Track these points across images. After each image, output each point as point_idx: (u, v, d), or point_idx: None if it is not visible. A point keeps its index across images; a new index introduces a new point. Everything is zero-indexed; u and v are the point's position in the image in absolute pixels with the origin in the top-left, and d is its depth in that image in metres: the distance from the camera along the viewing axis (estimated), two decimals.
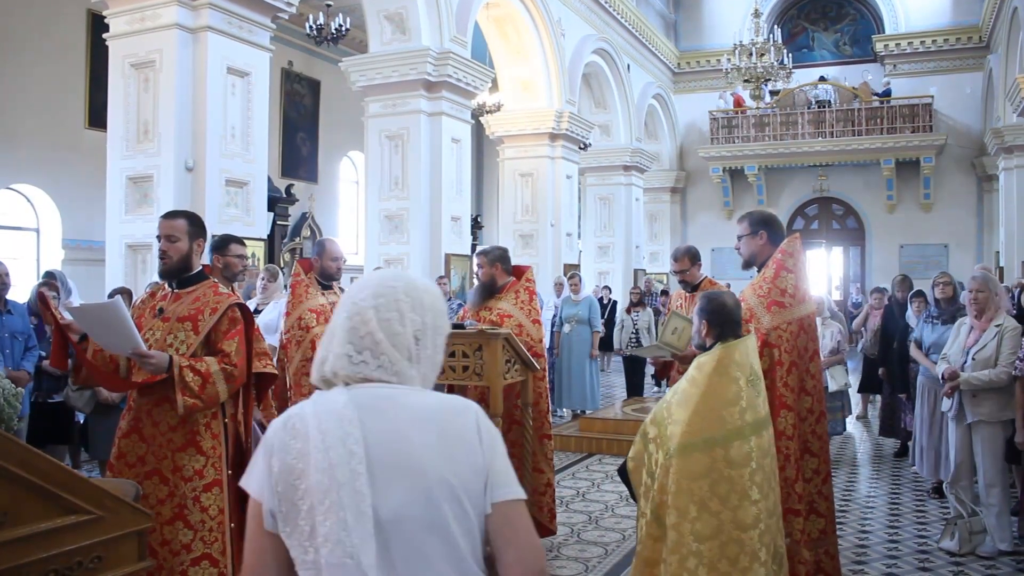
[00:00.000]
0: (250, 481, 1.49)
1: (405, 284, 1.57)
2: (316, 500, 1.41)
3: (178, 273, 3.43)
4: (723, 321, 3.33)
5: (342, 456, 1.42)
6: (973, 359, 4.91)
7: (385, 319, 1.52)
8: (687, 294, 5.20)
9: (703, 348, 3.36)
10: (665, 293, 15.74)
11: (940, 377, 5.11)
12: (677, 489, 3.15)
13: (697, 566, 3.09)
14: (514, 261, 5.36)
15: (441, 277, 9.79)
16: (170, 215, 3.51)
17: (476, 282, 11.45)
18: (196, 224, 3.49)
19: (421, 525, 1.42)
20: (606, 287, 14.39)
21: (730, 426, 3.16)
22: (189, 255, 3.43)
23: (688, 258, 5.17)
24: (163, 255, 3.41)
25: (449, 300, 9.38)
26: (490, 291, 5.03)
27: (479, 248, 5.12)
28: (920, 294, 7.06)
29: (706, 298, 3.47)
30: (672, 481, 3.15)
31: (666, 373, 5.03)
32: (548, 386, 5.18)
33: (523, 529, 1.49)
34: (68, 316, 3.42)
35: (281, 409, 4.93)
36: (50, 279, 6.53)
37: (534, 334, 4.89)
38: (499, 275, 5.04)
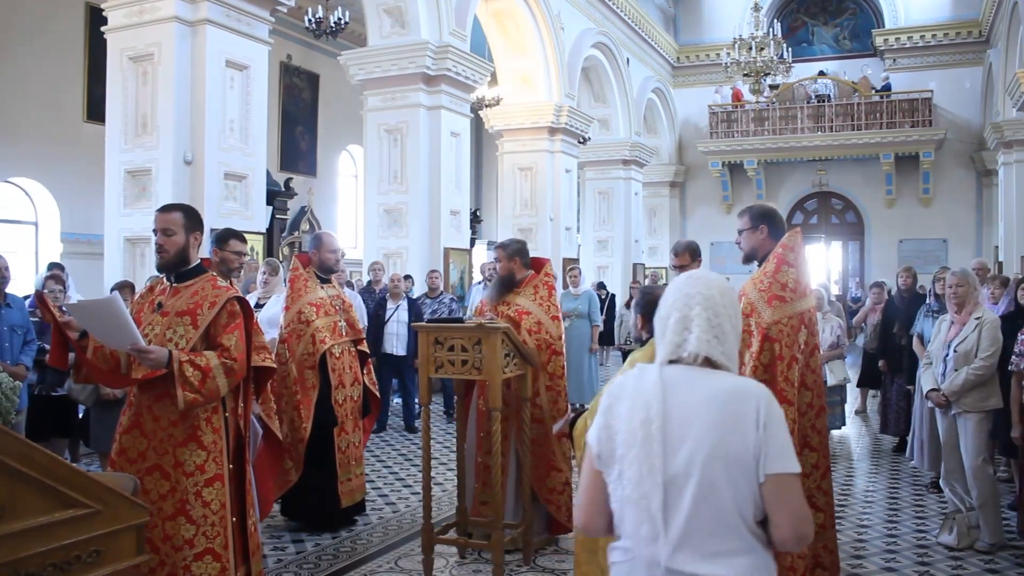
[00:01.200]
0: (591, 430, 1.96)
1: (729, 288, 2.01)
2: (623, 451, 1.85)
3: (176, 267, 3.42)
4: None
5: (644, 420, 1.83)
6: (955, 351, 4.97)
7: (730, 314, 1.94)
8: None
9: (640, 341, 3.44)
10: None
11: (926, 396, 5.24)
12: None
13: None
14: None
15: (433, 271, 9.73)
16: (165, 208, 3.49)
17: (479, 276, 11.23)
18: (192, 217, 3.47)
19: (698, 483, 1.77)
20: (600, 283, 14.37)
21: None
22: (186, 248, 3.42)
23: (689, 253, 5.15)
24: (160, 249, 3.40)
25: (440, 295, 9.34)
26: (509, 285, 4.96)
27: (497, 242, 5.06)
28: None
29: (641, 292, 3.61)
30: None
31: None
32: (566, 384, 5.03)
33: (793, 497, 1.79)
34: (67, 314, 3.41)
35: (278, 403, 4.93)
36: (57, 270, 6.53)
37: (553, 331, 4.80)
38: (518, 269, 4.98)
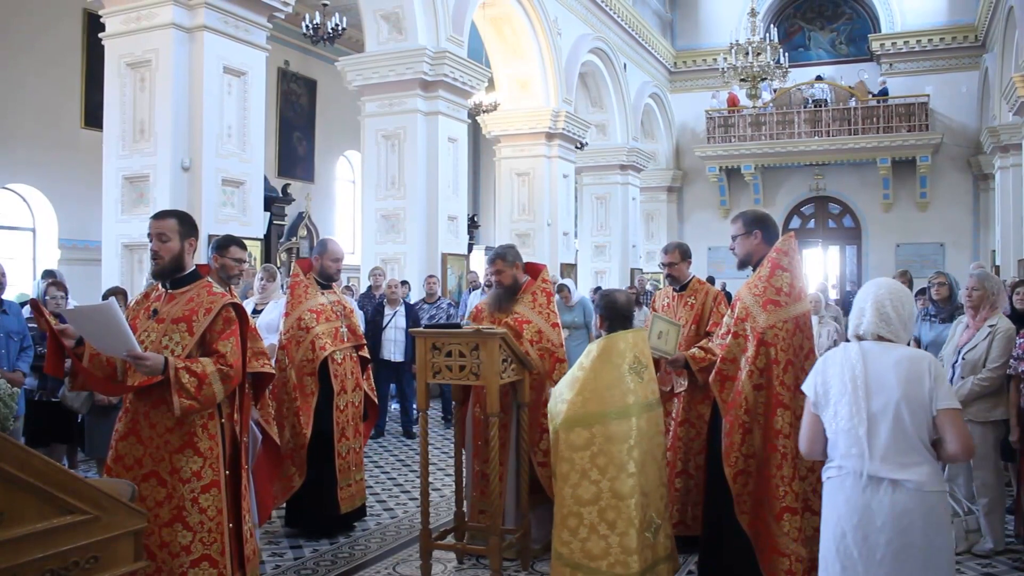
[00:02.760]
0: (807, 384, 2.88)
1: (901, 288, 2.86)
2: (836, 398, 2.74)
3: (171, 273, 3.42)
4: (613, 315, 3.91)
5: (851, 378, 2.71)
6: (963, 358, 4.90)
7: (895, 305, 2.79)
8: (675, 293, 5.16)
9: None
10: None
11: None
12: (561, 458, 3.71)
13: (578, 526, 3.67)
14: None
15: (431, 276, 9.73)
16: (160, 215, 3.48)
17: (469, 284, 11.13)
18: (187, 223, 3.47)
19: (893, 418, 2.65)
20: (598, 287, 14.33)
21: (611, 406, 3.66)
22: (181, 255, 3.41)
23: (679, 251, 5.12)
24: (155, 255, 3.39)
25: (438, 300, 9.34)
26: (513, 293, 4.89)
27: (495, 251, 5.00)
28: (924, 292, 7.04)
29: (602, 295, 4.02)
30: (559, 451, 3.72)
31: None
32: None
33: (958, 424, 2.65)
34: (64, 320, 3.40)
35: (279, 409, 4.93)
36: (53, 278, 6.53)
37: (554, 339, 4.74)
38: (520, 275, 4.92)
